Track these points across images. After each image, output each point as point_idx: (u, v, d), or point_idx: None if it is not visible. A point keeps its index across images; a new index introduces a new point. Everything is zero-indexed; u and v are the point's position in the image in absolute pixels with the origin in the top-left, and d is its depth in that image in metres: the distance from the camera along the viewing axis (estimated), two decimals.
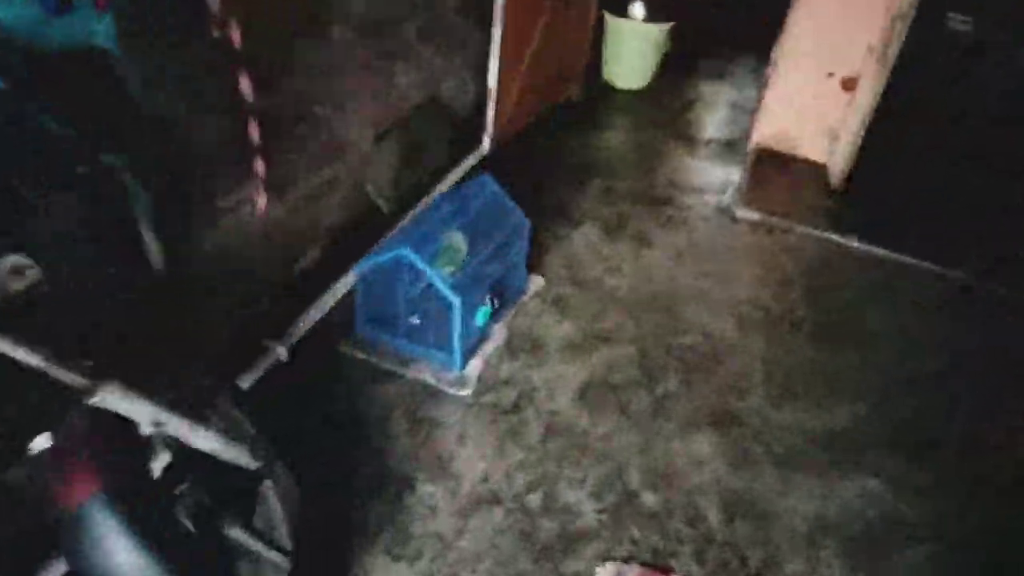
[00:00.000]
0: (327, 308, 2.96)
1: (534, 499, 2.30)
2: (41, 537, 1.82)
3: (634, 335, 2.98)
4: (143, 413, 1.58)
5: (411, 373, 2.71)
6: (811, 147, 4.51)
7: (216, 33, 2.24)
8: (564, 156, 4.30)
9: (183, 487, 1.73)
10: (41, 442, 1.61)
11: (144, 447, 1.68)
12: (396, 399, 2.62)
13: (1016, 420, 2.77)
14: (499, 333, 2.92)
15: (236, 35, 2.26)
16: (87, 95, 1.78)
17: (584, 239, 3.56)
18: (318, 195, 3.08)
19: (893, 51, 3.85)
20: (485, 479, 2.35)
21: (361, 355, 2.78)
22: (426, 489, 2.30)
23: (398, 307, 2.68)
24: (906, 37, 3.82)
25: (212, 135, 2.36)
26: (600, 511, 2.28)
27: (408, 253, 2.49)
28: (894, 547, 2.27)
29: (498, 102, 4.03)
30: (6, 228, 1.55)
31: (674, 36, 5.24)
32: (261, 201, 2.68)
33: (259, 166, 2.61)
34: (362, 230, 3.35)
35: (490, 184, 2.92)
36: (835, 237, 3.74)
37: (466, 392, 2.65)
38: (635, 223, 3.70)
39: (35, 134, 1.59)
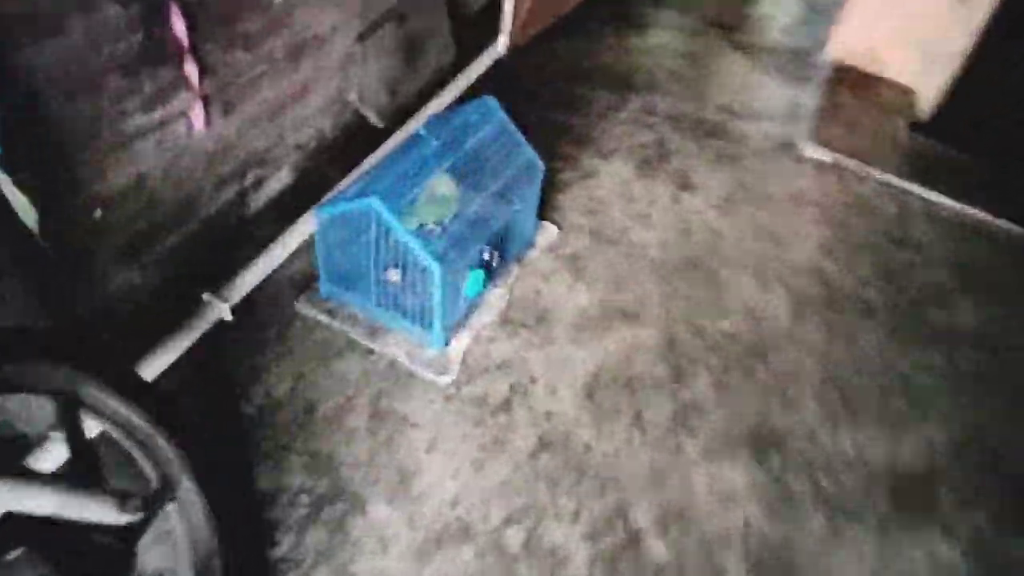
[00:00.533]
0: (286, 255, 2.41)
1: (514, 536, 1.83)
2: None
3: (661, 312, 2.41)
4: None
5: (381, 347, 2.19)
6: (901, 67, 3.70)
7: None
8: (596, 64, 3.55)
9: (15, 555, 1.27)
10: None
11: None
12: (358, 381, 2.11)
13: None
14: (496, 299, 2.37)
15: None
16: None
17: (612, 176, 2.91)
18: (281, 106, 2.45)
19: None
20: (455, 503, 1.87)
21: (322, 318, 2.26)
22: (379, 513, 1.83)
23: (366, 265, 2.12)
24: None
25: (109, 28, 1.73)
26: (593, 558, 1.80)
27: (375, 203, 1.90)
28: None
29: None
30: None
31: None
32: (197, 116, 2.08)
33: (190, 69, 1.98)
34: (349, 149, 2.74)
35: (494, 110, 2.27)
36: (923, 192, 3.04)
37: (446, 379, 2.13)
38: (676, 158, 3.02)
39: None
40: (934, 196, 3.02)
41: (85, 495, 1.30)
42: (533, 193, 2.38)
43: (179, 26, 1.91)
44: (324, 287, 2.28)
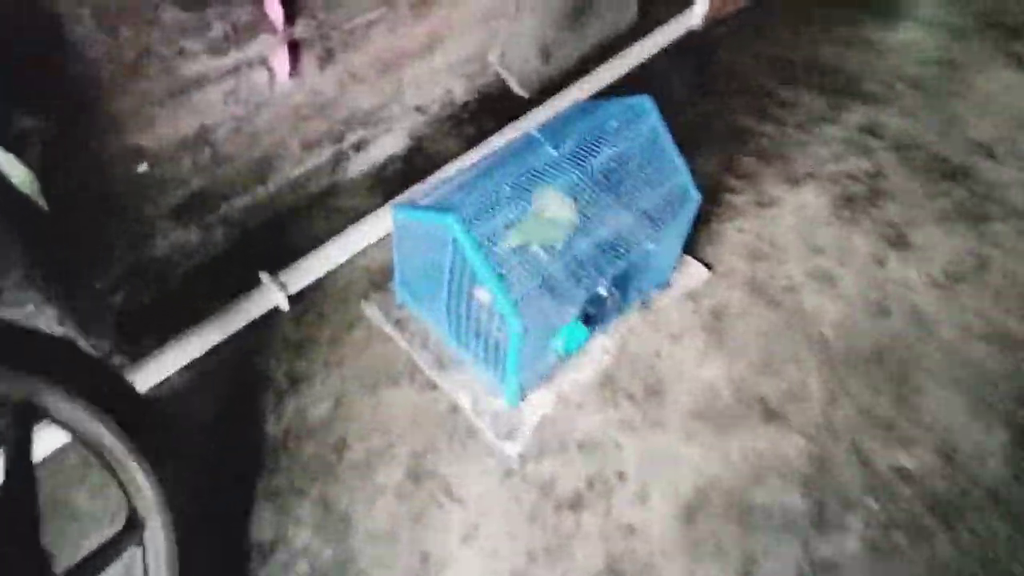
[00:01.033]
0: (371, 240, 2.02)
1: None
2: None
3: (819, 418, 1.79)
4: None
5: (445, 383, 1.77)
6: None
7: None
8: (813, 58, 2.80)
9: None
10: None
11: None
12: (407, 423, 1.71)
13: None
14: (600, 352, 1.85)
15: None
16: None
17: (798, 211, 2.24)
18: (400, 60, 2.02)
19: None
20: None
21: (388, 328, 1.87)
22: None
23: (441, 286, 1.68)
24: None
25: None
26: None
27: (453, 224, 1.44)
28: None
29: None
30: None
31: None
32: (281, 63, 1.70)
33: (273, 7, 1.60)
34: (481, 118, 2.29)
35: (647, 115, 1.70)
36: None
37: (511, 448, 1.68)
38: (894, 202, 2.28)
39: None
40: None
41: None
42: (678, 229, 1.81)
43: None
44: (400, 291, 1.88)
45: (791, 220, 2.21)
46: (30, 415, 1.19)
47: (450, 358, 1.82)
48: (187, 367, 1.76)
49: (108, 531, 1.40)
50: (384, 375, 1.80)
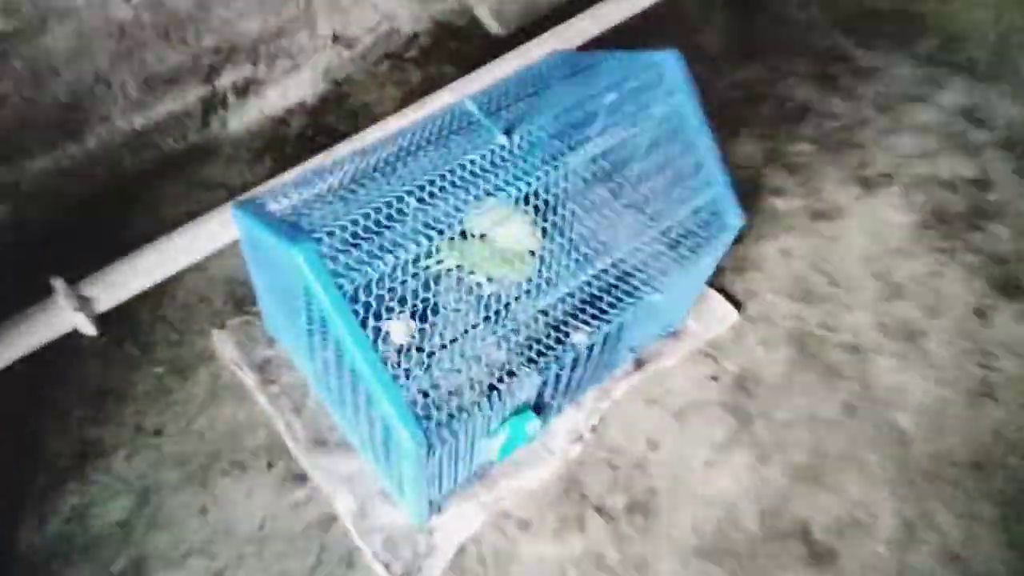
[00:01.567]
0: (237, 236, 1.37)
1: None
2: None
3: (887, 562, 1.16)
4: None
5: (321, 474, 1.14)
6: None
7: None
8: (902, 7, 2.08)
9: None
10: None
11: None
12: (251, 538, 1.09)
13: None
14: (565, 438, 1.21)
15: None
16: None
17: (871, 226, 1.57)
18: None
19: None
20: None
21: (246, 378, 1.23)
22: None
23: (304, 332, 1.02)
24: None
25: None
26: None
27: (306, 260, 0.78)
28: None
29: None
30: None
31: None
32: None
33: None
34: (437, 60, 1.62)
35: (674, 80, 1.01)
36: None
37: None
38: (1004, 223, 1.61)
39: None
40: None
41: None
42: (703, 263, 1.14)
43: None
44: (267, 317, 1.24)
45: (860, 242, 1.54)
46: None
47: (332, 435, 1.18)
48: None
49: None
50: (227, 455, 1.17)
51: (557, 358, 0.97)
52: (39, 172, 1.26)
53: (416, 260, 0.87)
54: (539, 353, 0.96)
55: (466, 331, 0.94)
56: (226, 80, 1.43)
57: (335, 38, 1.54)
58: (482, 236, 0.96)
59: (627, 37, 1.86)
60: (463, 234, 1.08)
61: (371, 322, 0.82)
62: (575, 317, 1.01)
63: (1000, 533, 1.19)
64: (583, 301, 1.00)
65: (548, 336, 0.99)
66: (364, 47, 1.61)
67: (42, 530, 1.07)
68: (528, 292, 0.97)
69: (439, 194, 0.86)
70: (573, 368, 1.04)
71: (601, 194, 1.04)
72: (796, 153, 1.69)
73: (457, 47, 1.74)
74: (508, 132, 0.89)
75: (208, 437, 1.18)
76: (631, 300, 1.02)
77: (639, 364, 1.31)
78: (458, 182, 0.86)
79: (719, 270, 1.40)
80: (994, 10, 2.02)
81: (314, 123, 1.57)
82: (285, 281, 0.93)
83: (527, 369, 0.96)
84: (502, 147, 0.90)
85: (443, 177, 0.88)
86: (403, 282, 0.88)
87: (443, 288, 1.06)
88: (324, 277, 0.79)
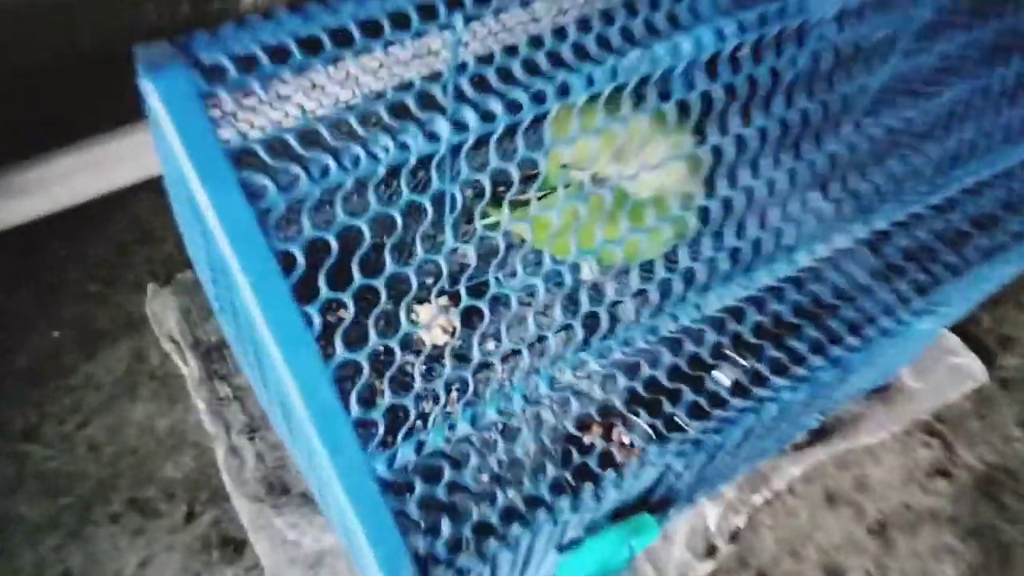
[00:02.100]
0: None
1: None
2: None
3: None
4: None
5: (270, 556, 0.68)
6: None
7: None
8: None
9: None
10: None
11: None
12: None
13: None
14: (686, 550, 0.70)
15: None
16: None
17: None
18: None
19: None
20: None
21: (186, 363, 0.77)
22: None
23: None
24: None
25: None
26: None
27: (176, 79, 0.31)
28: None
29: None
30: None
31: None
32: None
33: None
34: None
35: None
36: None
37: None
38: None
39: None
40: None
41: None
42: (999, 272, 0.61)
43: None
44: (208, 293, 0.78)
45: None
46: None
47: (298, 491, 0.72)
48: None
49: None
50: (126, 488, 0.72)
51: (714, 432, 0.46)
52: None
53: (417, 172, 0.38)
54: (665, 419, 0.45)
55: (535, 346, 0.46)
56: None
57: None
58: (593, 178, 0.48)
59: None
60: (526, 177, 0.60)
61: (322, 292, 0.35)
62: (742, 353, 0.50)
63: None
64: (763, 325, 0.49)
65: (682, 378, 0.49)
66: None
67: None
68: (666, 290, 0.48)
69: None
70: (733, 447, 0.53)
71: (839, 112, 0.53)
72: None
73: None
74: None
75: (105, 454, 0.73)
76: (875, 331, 0.50)
77: (819, 435, 0.78)
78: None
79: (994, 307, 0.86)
80: None
81: None
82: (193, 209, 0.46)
83: (647, 449, 0.46)
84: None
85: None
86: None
87: (508, 262, 0.58)
88: (200, 140, 0.32)
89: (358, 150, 0.36)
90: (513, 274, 0.53)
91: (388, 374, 0.42)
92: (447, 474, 0.39)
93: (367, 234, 0.36)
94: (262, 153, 0.35)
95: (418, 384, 0.43)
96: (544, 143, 0.39)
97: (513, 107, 0.36)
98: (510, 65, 0.39)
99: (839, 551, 0.73)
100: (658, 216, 0.40)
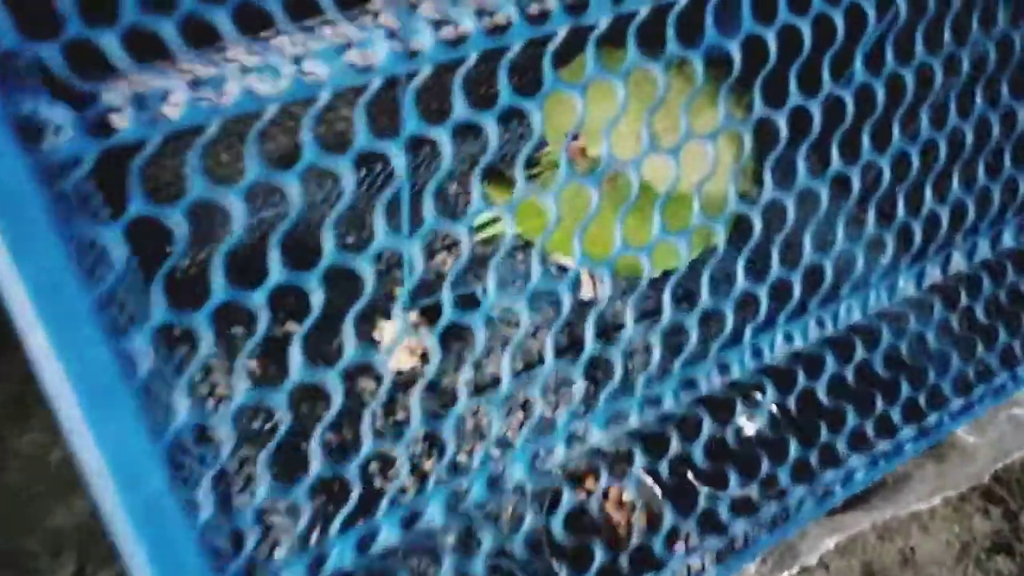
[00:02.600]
0: None
1: None
2: None
3: None
4: None
5: None
6: None
7: None
8: None
9: None
10: None
11: None
12: None
13: None
14: None
15: None
16: None
17: None
18: None
19: None
20: None
21: None
22: None
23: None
24: None
25: None
26: None
27: None
28: None
29: None
30: None
31: None
32: None
33: None
34: None
35: None
36: None
37: None
38: None
39: None
40: None
41: None
42: None
43: None
44: None
45: None
46: None
47: None
48: None
49: None
50: (12, 545, 0.57)
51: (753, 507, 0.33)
52: None
53: None
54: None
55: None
56: None
57: None
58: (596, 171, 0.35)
59: None
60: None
61: (215, 294, 0.21)
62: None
63: None
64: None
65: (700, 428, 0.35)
66: None
67: None
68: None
69: None
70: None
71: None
72: None
73: None
74: None
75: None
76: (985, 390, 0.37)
77: (857, 497, 0.65)
78: None
79: None
80: None
81: None
82: None
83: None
84: None
85: None
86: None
87: (492, 268, 0.45)
88: None
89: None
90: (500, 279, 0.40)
91: (318, 429, 0.28)
92: None
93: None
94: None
95: (366, 442, 0.29)
96: (539, 93, 0.26)
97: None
98: None
99: None
100: (707, 215, 0.26)
